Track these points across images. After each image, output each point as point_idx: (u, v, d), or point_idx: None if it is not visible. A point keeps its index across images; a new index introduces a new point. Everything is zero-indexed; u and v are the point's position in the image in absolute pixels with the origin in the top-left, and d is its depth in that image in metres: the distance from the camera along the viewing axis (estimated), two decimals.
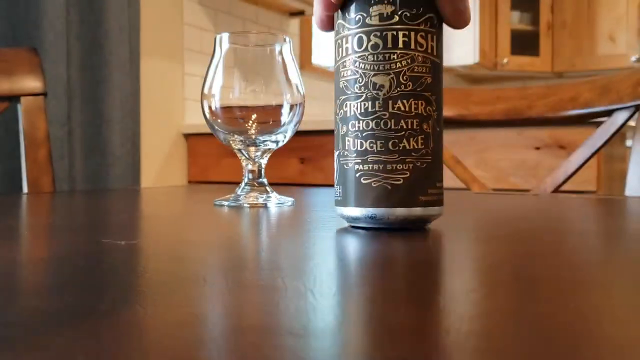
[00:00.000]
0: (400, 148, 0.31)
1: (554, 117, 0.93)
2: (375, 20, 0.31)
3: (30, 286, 0.19)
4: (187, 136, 2.04)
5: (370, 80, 0.31)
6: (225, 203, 0.49)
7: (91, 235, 0.31)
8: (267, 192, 0.51)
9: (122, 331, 0.14)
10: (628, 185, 0.82)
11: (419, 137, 0.31)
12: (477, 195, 0.71)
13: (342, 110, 0.33)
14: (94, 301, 0.17)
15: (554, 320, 0.15)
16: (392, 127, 0.31)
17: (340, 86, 0.33)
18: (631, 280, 0.21)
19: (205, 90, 0.50)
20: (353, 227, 0.35)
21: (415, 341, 0.14)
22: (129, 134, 1.66)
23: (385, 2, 0.31)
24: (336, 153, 0.34)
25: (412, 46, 0.31)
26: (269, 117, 0.50)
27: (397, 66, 0.31)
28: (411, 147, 0.31)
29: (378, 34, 0.31)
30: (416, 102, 0.32)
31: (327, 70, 2.73)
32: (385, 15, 0.31)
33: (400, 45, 0.31)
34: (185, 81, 2.03)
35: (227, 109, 0.50)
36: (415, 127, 0.31)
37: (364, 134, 0.32)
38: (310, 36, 2.67)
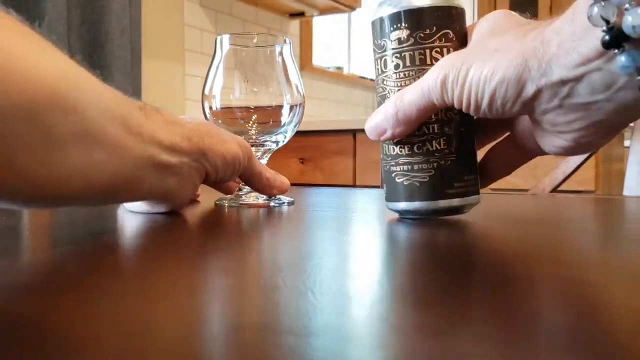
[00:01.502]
0: (424, 150, 0.35)
1: None
2: (395, 44, 0.35)
3: (30, 285, 0.20)
4: None
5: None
6: (226, 202, 0.49)
7: (91, 235, 0.31)
8: (268, 199, 0.51)
9: (122, 331, 0.14)
10: (626, 184, 0.82)
11: (441, 139, 0.35)
12: None
13: None
14: (94, 300, 0.17)
15: (553, 320, 0.16)
16: (416, 132, 0.35)
17: (377, 101, 0.37)
18: (630, 280, 0.21)
19: (206, 91, 0.50)
20: (402, 219, 0.38)
21: (415, 340, 0.14)
22: None
23: (402, 27, 0.35)
24: (381, 157, 0.38)
25: (428, 61, 0.34)
26: (269, 117, 0.51)
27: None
28: (434, 148, 0.35)
29: (398, 55, 0.35)
30: None
31: (327, 71, 2.73)
32: (402, 39, 0.35)
33: (417, 62, 0.35)
34: (186, 82, 2.03)
35: (227, 109, 0.50)
36: (436, 130, 0.35)
37: (395, 141, 0.36)
38: (310, 37, 2.67)
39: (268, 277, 0.21)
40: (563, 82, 0.27)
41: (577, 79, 0.27)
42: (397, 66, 0.35)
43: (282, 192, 0.48)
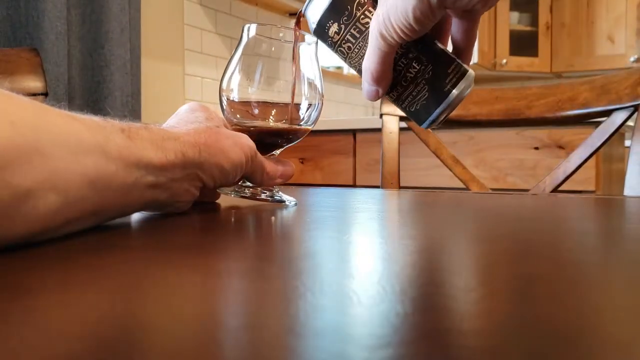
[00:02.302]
0: (409, 79, 0.43)
1: (553, 117, 0.93)
2: (337, 37, 0.44)
3: (32, 282, 0.20)
4: None
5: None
6: (229, 192, 0.48)
7: (91, 233, 0.31)
8: (271, 190, 0.51)
9: (119, 331, 0.14)
10: (627, 184, 0.82)
11: (412, 64, 0.42)
12: (476, 195, 0.72)
13: None
14: (94, 299, 0.17)
15: (553, 320, 0.16)
16: (395, 74, 0.43)
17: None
18: (630, 280, 0.21)
19: (224, 84, 0.49)
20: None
21: (416, 340, 0.14)
22: None
23: (330, 25, 0.44)
24: (396, 106, 0.46)
25: (364, 28, 0.42)
26: (286, 115, 0.50)
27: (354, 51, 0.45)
28: (413, 73, 0.42)
29: (344, 41, 0.44)
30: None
31: (327, 71, 2.73)
32: (337, 31, 0.44)
33: (358, 35, 0.43)
34: (186, 82, 2.03)
35: (244, 103, 0.49)
36: (405, 62, 0.42)
37: (389, 91, 0.44)
38: None
39: (268, 277, 0.21)
40: None
41: None
42: (349, 48, 0.44)
43: (287, 180, 0.48)
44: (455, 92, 0.42)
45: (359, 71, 0.44)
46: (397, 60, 0.42)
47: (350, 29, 0.43)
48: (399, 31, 0.39)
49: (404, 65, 0.42)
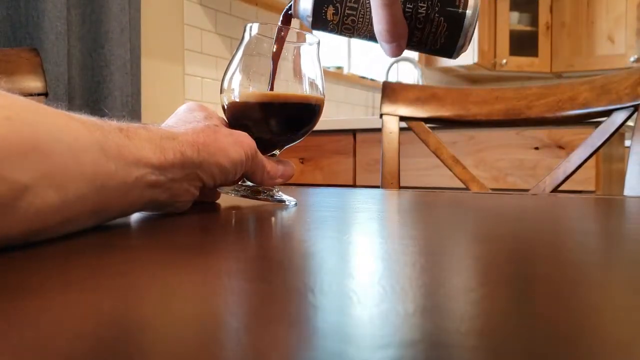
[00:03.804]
0: (422, 20, 0.43)
1: (553, 117, 0.93)
2: (337, 18, 0.44)
3: (31, 283, 0.20)
4: None
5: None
6: (229, 191, 0.48)
7: (91, 233, 0.31)
8: (271, 190, 0.51)
9: (120, 331, 0.14)
10: (627, 184, 0.82)
11: (418, 4, 0.42)
12: (476, 195, 0.72)
13: None
14: (94, 299, 0.17)
15: (553, 320, 0.16)
16: (408, 22, 0.43)
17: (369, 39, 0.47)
18: (630, 280, 0.21)
19: (225, 84, 0.49)
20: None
21: (416, 341, 0.14)
22: None
23: (326, 9, 0.44)
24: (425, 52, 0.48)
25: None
26: None
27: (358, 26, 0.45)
28: (423, 12, 0.42)
29: (346, 17, 0.44)
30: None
31: (327, 71, 2.73)
32: (335, 12, 0.44)
33: (356, 4, 0.43)
34: (186, 81, 2.03)
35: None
36: (410, 5, 0.42)
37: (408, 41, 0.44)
38: None
39: (268, 277, 0.21)
40: None
41: None
42: (353, 21, 0.44)
43: (287, 180, 0.48)
44: (469, 12, 0.43)
45: (372, 38, 0.44)
46: (404, 10, 0.42)
47: (346, 2, 0.43)
48: None
49: (411, 10, 0.43)
